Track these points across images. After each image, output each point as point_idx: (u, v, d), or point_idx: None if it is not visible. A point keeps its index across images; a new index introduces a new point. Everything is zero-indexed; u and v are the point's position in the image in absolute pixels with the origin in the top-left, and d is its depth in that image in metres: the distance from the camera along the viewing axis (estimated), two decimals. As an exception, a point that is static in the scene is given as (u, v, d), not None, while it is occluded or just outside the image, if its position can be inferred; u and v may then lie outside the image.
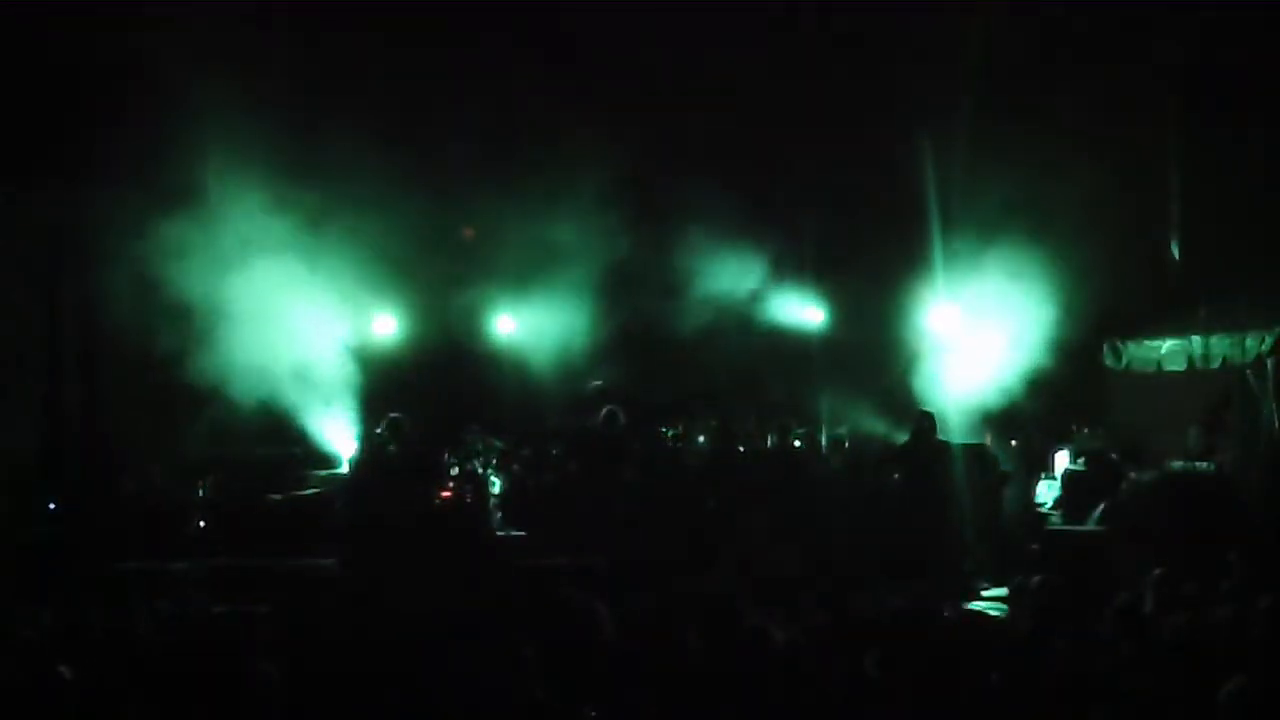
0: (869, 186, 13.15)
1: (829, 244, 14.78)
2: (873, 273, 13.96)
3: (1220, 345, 10.17)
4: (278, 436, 13.26)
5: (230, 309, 12.55)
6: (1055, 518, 11.52)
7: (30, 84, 10.93)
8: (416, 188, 13.35)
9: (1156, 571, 6.95)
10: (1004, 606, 7.65)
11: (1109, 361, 12.11)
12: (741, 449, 13.42)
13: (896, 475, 11.06)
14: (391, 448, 10.87)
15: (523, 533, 13.16)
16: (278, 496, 11.68)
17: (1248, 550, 7.51)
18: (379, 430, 12.52)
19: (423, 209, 13.40)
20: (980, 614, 7.54)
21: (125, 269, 12.63)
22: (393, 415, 11.22)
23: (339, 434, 13.52)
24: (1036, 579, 6.47)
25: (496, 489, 13.35)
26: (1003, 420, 12.19)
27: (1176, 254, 11.99)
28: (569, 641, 5.44)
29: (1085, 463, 11.67)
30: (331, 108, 12.35)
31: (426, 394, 13.65)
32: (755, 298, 14.66)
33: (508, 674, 4.83)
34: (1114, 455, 11.48)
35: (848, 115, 11.91)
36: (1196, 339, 10.54)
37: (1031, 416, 12.20)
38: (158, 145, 11.74)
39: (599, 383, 13.94)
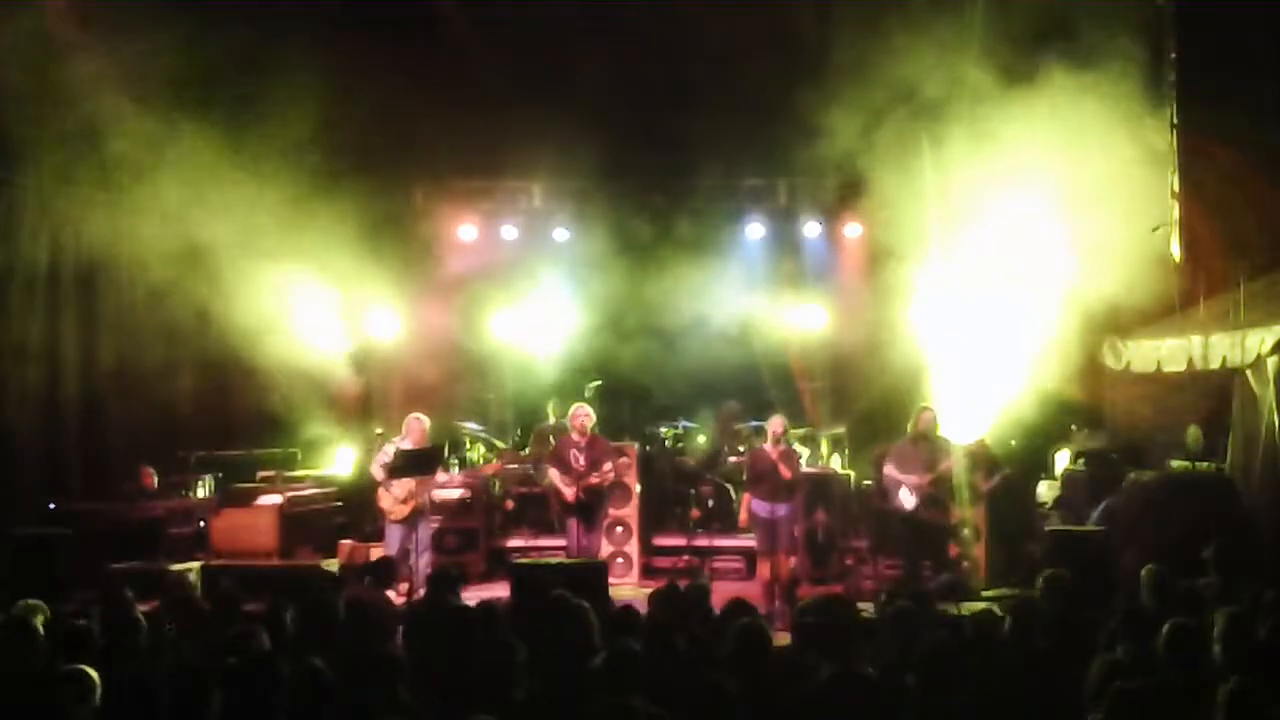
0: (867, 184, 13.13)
1: (831, 241, 14.82)
2: (873, 272, 13.96)
3: (1220, 345, 10.14)
4: (278, 436, 13.32)
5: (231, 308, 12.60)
6: (1055, 518, 11.52)
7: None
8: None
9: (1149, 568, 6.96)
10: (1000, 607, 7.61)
11: (1109, 361, 12.09)
12: (741, 448, 13.43)
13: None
14: (393, 446, 10.83)
15: (523, 533, 13.21)
16: (278, 498, 11.65)
17: (1223, 548, 7.48)
18: (381, 431, 12.55)
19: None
20: (977, 615, 7.53)
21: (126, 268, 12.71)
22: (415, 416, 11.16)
23: (340, 433, 13.58)
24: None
25: (496, 489, 13.38)
26: (1002, 420, 12.18)
27: (1177, 254, 11.96)
28: (565, 641, 5.46)
29: (1085, 463, 11.66)
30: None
31: (427, 392, 13.67)
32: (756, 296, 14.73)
33: (502, 672, 4.85)
34: (1114, 455, 11.47)
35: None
36: (1196, 339, 10.51)
37: (1031, 416, 12.18)
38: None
39: (598, 382, 13.95)
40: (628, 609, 6.58)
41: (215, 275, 12.24)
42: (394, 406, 12.92)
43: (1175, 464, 10.75)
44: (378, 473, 10.84)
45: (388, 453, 10.80)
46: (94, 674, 4.85)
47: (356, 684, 4.88)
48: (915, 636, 5.71)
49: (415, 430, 10.92)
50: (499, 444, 14.24)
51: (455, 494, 12.48)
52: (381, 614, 6.52)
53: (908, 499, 10.62)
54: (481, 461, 13.81)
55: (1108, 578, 8.79)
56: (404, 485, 10.70)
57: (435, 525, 11.53)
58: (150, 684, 4.82)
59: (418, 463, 10.77)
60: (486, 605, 6.65)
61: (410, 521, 10.73)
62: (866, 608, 7.58)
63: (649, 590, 7.86)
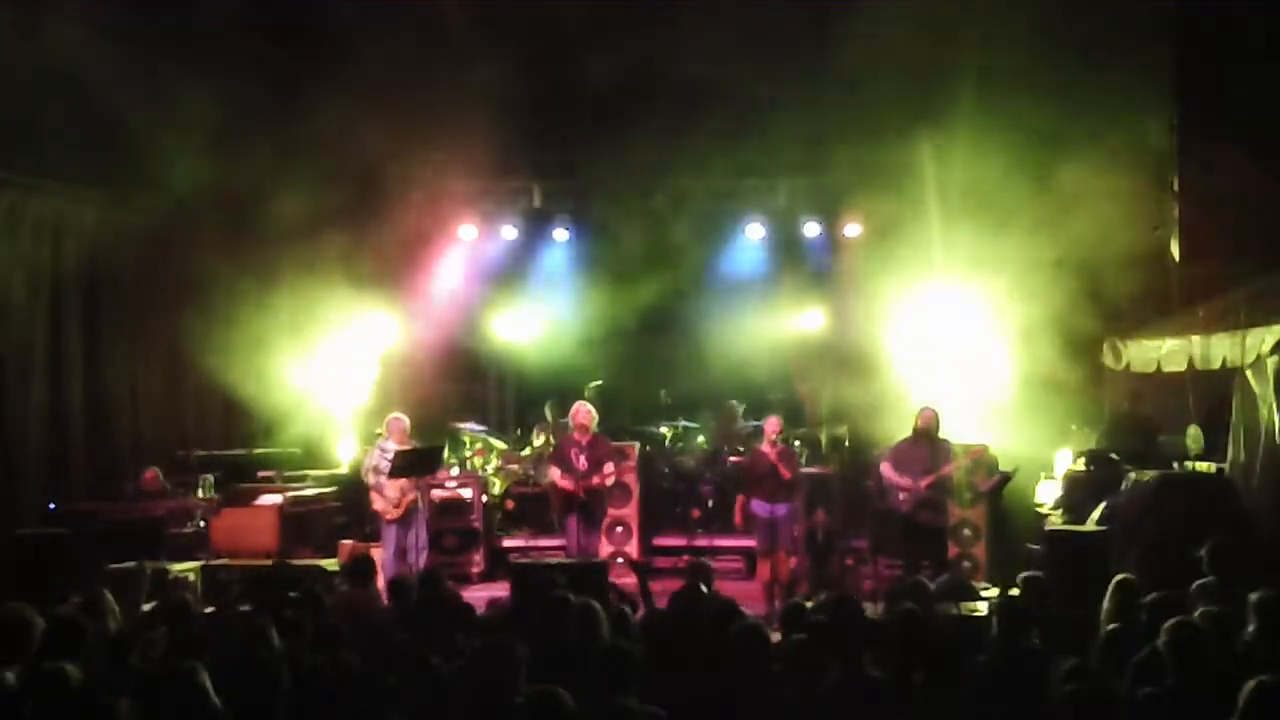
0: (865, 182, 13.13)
1: (831, 242, 14.80)
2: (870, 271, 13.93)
3: (1220, 345, 10.14)
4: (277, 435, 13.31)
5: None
6: (1055, 518, 11.51)
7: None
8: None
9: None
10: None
11: (1109, 361, 12.09)
12: (741, 449, 13.43)
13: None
14: (378, 450, 10.84)
15: (523, 533, 13.22)
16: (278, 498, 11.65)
17: (1220, 548, 7.47)
18: (380, 431, 12.54)
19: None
20: (978, 614, 7.55)
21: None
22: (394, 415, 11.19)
23: (340, 433, 13.57)
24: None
25: (496, 489, 13.38)
26: (1003, 421, 12.17)
27: (1177, 254, 11.97)
28: (567, 640, 5.46)
29: (1085, 463, 11.65)
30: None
31: (427, 393, 13.67)
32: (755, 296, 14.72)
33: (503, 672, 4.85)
34: (1114, 455, 11.47)
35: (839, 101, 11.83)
36: (1196, 339, 10.51)
37: (1031, 416, 12.18)
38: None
39: (598, 382, 13.94)
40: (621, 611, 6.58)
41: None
42: (394, 407, 12.91)
43: (1175, 464, 10.75)
44: (369, 477, 10.85)
45: (376, 456, 10.82)
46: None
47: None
48: (921, 637, 5.71)
49: (396, 430, 10.97)
50: (498, 444, 14.25)
51: (455, 494, 12.47)
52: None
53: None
54: (481, 461, 13.81)
55: (1107, 578, 8.77)
56: (397, 485, 10.71)
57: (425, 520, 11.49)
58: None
59: (419, 462, 10.79)
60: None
61: (406, 521, 10.75)
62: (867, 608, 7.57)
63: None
